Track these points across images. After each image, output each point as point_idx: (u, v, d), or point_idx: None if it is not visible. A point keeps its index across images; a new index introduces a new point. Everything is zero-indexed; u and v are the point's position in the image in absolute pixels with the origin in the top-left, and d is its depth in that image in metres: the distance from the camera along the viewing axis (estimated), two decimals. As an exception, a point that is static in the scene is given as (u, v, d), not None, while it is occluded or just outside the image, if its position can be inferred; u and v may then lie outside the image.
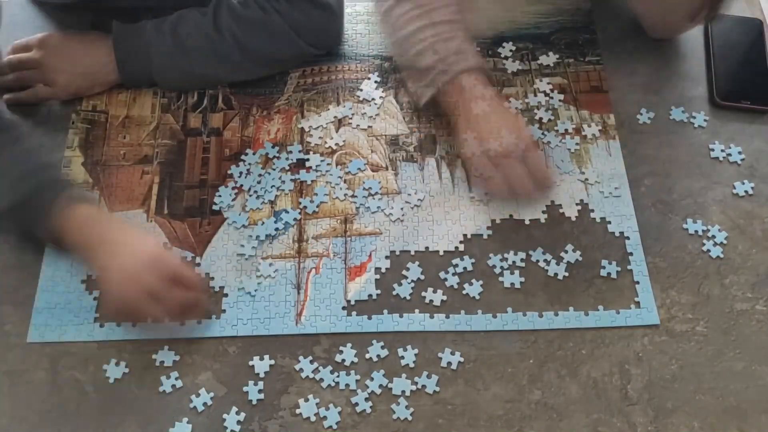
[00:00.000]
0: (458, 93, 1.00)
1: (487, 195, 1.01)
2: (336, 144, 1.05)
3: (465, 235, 0.98)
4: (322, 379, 0.89)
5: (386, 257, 0.97)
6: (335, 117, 1.07)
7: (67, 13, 1.14)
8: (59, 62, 1.06)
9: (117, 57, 1.05)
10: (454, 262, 0.96)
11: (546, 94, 1.09)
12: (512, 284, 0.95)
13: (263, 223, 0.99)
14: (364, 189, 1.01)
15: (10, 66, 1.07)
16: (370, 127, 1.07)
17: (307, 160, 1.04)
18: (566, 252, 0.97)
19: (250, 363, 0.90)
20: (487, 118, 0.98)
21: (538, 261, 0.96)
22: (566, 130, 1.06)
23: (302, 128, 1.06)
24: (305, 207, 1.00)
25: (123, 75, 1.06)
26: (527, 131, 0.99)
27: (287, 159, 1.04)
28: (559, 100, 1.09)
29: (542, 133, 1.06)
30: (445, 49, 1.00)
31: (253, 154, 1.04)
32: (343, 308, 0.93)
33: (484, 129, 0.98)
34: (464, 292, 0.94)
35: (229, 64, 1.06)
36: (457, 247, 0.97)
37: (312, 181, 1.02)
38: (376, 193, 1.01)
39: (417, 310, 0.93)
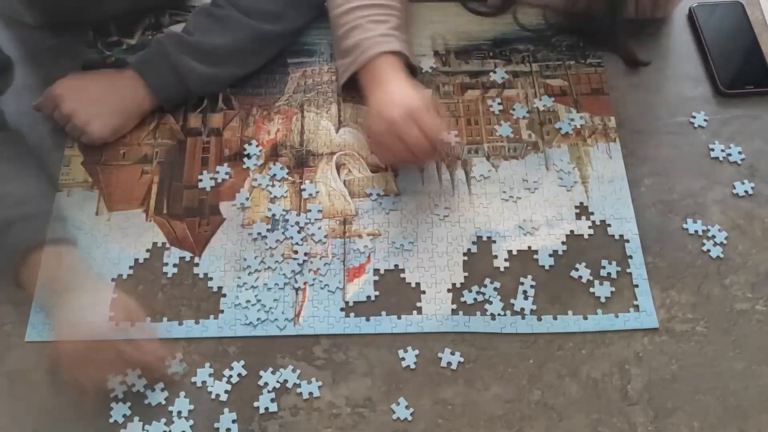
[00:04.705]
0: (370, 76, 0.99)
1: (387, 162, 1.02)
2: (336, 146, 1.05)
3: (464, 237, 0.98)
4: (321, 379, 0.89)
5: (385, 259, 0.97)
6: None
7: (64, 32, 1.13)
8: (88, 109, 1.01)
9: (150, 86, 1.03)
10: (453, 262, 0.96)
11: (547, 96, 1.09)
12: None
13: (262, 223, 0.99)
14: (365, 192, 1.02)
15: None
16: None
17: (307, 160, 1.04)
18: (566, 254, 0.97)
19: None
20: (389, 99, 0.96)
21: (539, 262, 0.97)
22: (567, 132, 1.06)
23: (302, 129, 1.06)
24: (304, 208, 1.00)
25: (163, 102, 1.05)
26: (422, 99, 0.95)
27: (286, 159, 1.04)
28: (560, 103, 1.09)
29: (542, 135, 1.06)
30: (371, 30, 0.99)
31: (253, 154, 1.04)
32: (342, 309, 0.93)
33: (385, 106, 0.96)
34: (465, 293, 0.94)
35: (241, 31, 1.05)
36: (456, 248, 0.97)
37: (311, 181, 1.02)
38: (377, 194, 1.01)
39: (415, 312, 0.93)
